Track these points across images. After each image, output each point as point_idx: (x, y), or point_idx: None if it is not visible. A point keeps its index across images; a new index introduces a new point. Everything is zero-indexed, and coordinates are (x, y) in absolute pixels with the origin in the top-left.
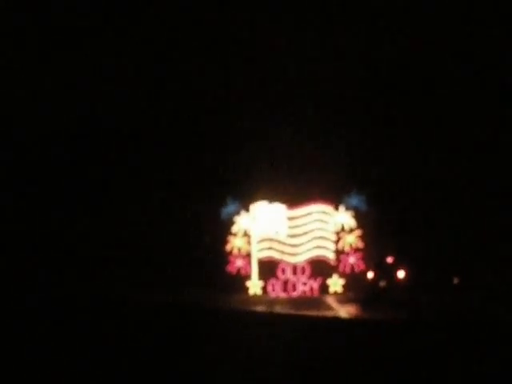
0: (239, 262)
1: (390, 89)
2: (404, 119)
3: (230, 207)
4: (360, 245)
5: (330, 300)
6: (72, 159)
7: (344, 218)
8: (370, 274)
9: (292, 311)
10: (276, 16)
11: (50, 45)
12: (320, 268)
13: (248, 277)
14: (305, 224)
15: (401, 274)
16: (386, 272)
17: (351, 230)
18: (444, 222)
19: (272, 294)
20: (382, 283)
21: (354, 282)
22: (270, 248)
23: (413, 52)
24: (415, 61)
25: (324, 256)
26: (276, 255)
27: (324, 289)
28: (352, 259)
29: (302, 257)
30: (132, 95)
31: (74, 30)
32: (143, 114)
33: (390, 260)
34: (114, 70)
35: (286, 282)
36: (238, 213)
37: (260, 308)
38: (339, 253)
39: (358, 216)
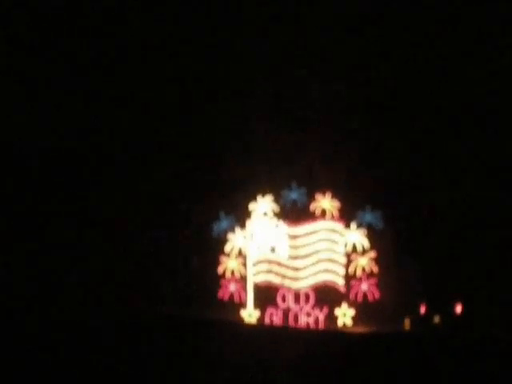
0: (232, 287)
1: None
2: (420, 129)
3: (223, 223)
4: (374, 269)
5: None
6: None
7: (356, 237)
8: (422, 309)
9: None
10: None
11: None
12: (327, 295)
13: (242, 304)
14: (309, 244)
15: (458, 308)
16: (439, 305)
17: (364, 252)
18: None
19: None
20: (436, 319)
21: (366, 312)
22: (268, 271)
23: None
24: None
25: (332, 281)
26: (275, 280)
27: (331, 320)
28: (365, 286)
29: (305, 282)
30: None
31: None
32: (131, 121)
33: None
34: None
35: (286, 312)
36: (231, 229)
37: None
38: (350, 278)
39: (373, 235)
